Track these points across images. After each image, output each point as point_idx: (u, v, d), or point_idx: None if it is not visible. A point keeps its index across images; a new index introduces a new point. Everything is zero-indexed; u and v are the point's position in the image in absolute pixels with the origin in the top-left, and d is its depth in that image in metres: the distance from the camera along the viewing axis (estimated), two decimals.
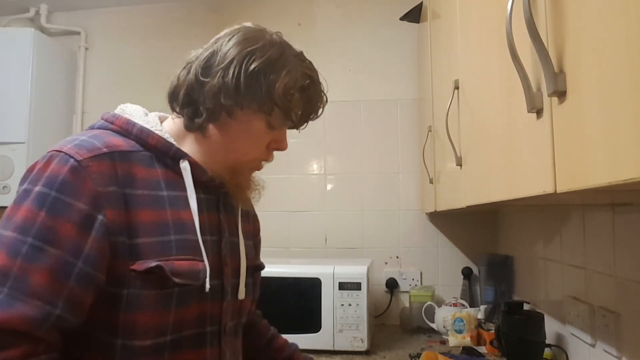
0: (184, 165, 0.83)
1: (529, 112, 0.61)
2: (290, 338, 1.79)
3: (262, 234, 2.41)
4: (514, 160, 0.72)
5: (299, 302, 1.84)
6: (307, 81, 0.89)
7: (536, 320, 1.43)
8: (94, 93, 2.60)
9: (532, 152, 0.63)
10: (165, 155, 0.83)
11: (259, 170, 0.93)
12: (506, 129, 0.76)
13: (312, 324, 1.81)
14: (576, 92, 0.49)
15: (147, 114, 0.89)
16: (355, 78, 2.38)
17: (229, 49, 0.83)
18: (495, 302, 1.95)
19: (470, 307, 1.99)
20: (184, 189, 0.83)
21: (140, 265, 0.74)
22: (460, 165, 1.16)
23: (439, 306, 2.03)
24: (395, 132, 2.33)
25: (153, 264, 0.75)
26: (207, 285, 0.81)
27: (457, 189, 1.25)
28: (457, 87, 1.19)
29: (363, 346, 1.77)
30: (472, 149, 1.05)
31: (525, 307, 1.58)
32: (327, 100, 0.94)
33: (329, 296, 1.81)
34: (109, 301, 0.74)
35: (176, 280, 0.77)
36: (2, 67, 2.32)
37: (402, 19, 2.25)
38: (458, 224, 2.23)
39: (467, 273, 2.18)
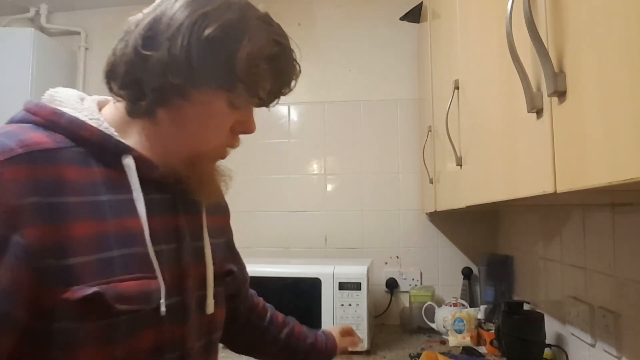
0: (127, 162, 0.68)
1: (529, 112, 0.61)
2: None
3: (262, 234, 2.44)
4: (514, 160, 0.72)
5: (299, 302, 1.84)
6: (276, 49, 0.73)
7: (536, 320, 1.43)
8: (93, 93, 2.59)
9: (532, 152, 0.63)
10: (103, 150, 0.67)
11: (223, 158, 0.78)
12: (506, 128, 0.76)
13: (312, 324, 1.79)
14: (576, 92, 0.49)
15: (83, 99, 0.74)
16: (356, 78, 2.38)
17: (176, 13, 0.67)
18: (495, 302, 1.95)
19: (470, 307, 1.99)
20: (130, 190, 0.68)
21: (74, 293, 0.59)
22: (460, 165, 1.16)
23: (439, 306, 2.03)
24: (395, 132, 2.33)
25: (90, 290, 0.60)
26: (163, 308, 0.67)
27: (457, 189, 1.25)
28: (457, 87, 1.19)
29: (363, 346, 1.77)
30: (472, 149, 1.05)
31: (525, 307, 1.58)
32: (300, 71, 0.79)
33: (329, 296, 1.81)
34: (36, 340, 0.60)
35: (121, 307, 0.63)
36: (2, 67, 2.32)
37: (402, 19, 2.25)
38: (458, 223, 2.23)
39: (467, 273, 2.18)
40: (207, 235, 0.80)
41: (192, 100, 0.69)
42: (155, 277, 0.67)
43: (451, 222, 2.24)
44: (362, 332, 1.77)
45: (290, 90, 0.79)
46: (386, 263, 2.29)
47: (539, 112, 0.59)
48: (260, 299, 1.16)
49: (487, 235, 2.21)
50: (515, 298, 1.90)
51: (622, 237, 1.07)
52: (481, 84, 0.96)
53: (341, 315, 1.79)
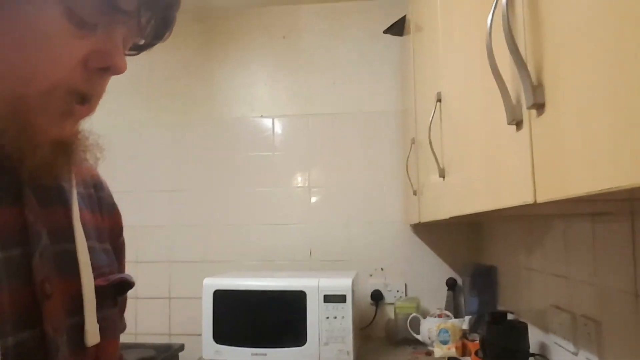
0: None
1: (509, 124, 0.62)
2: (275, 352, 1.79)
3: (246, 247, 2.44)
4: (495, 172, 0.73)
5: (284, 315, 1.83)
6: None
7: (519, 329, 1.45)
8: None
9: (513, 164, 0.64)
10: None
11: (75, 116, 0.52)
12: (488, 140, 0.77)
13: (298, 337, 1.80)
14: (554, 104, 0.51)
15: None
16: (340, 90, 2.39)
17: None
18: (479, 313, 1.96)
19: (455, 317, 2.00)
20: None
21: None
22: (443, 177, 1.18)
23: (424, 317, 2.04)
24: (380, 144, 2.35)
25: None
26: None
27: (440, 201, 1.26)
28: (439, 100, 1.21)
29: (349, 359, 1.76)
30: (455, 160, 1.06)
31: (509, 317, 1.59)
32: None
33: (314, 309, 1.80)
34: None
35: None
36: None
37: (385, 32, 2.28)
38: (442, 235, 2.25)
39: (451, 284, 2.20)
40: (81, 233, 0.57)
41: (1, 5, 0.46)
42: None
43: (435, 233, 2.26)
44: (348, 344, 1.77)
45: (176, 3, 0.56)
46: (371, 275, 2.29)
47: (519, 124, 0.61)
48: None
49: (470, 246, 2.22)
50: (500, 308, 1.92)
51: (602, 246, 1.09)
52: (463, 97, 0.98)
53: (326, 328, 1.78)
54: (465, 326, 1.90)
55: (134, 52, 0.58)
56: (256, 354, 1.82)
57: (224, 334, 1.86)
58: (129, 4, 0.49)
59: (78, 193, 0.60)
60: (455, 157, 1.05)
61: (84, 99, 0.51)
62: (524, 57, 0.57)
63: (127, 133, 2.44)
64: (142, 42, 0.57)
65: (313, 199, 2.37)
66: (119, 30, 0.51)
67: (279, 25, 2.45)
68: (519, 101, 0.61)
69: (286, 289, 1.84)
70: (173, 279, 2.39)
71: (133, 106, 2.45)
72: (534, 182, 0.56)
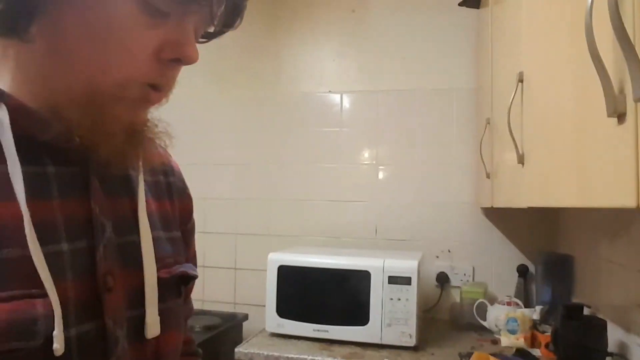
0: (1, 116, 0.45)
1: (609, 116, 0.55)
2: (337, 330, 1.79)
3: (311, 223, 2.44)
4: (587, 166, 0.66)
5: (347, 294, 1.82)
6: None
7: (598, 327, 1.36)
8: None
9: (611, 160, 0.57)
10: None
11: (148, 104, 0.53)
12: (579, 130, 0.70)
13: (360, 316, 1.79)
14: None
15: None
16: (410, 66, 2.31)
17: None
18: (552, 304, 1.87)
19: (525, 306, 1.91)
20: (5, 160, 0.45)
21: None
22: (522, 163, 1.10)
23: (492, 304, 1.97)
24: (451, 122, 2.25)
25: None
26: (57, 344, 0.43)
27: (518, 188, 1.19)
28: (521, 80, 1.12)
29: (411, 342, 1.73)
30: (537, 147, 0.99)
31: (585, 311, 1.50)
32: None
33: (378, 290, 1.78)
34: None
35: None
36: None
37: (461, 4, 2.17)
38: (514, 219, 2.14)
39: (522, 271, 2.10)
40: (146, 224, 0.56)
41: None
42: (43, 295, 0.44)
43: (507, 217, 2.16)
44: (411, 327, 1.74)
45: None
46: (437, 257, 2.23)
47: (621, 117, 0.54)
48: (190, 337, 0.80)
49: (545, 233, 2.11)
50: (575, 300, 1.82)
51: None
52: (550, 79, 0.90)
53: (390, 309, 1.76)
54: (535, 316, 1.82)
55: (204, 40, 0.57)
56: (318, 330, 1.82)
57: (287, 308, 1.88)
58: (209, 4, 0.49)
59: (145, 181, 0.60)
60: (538, 144, 0.98)
61: (156, 88, 0.51)
62: (632, 39, 0.50)
63: (196, 107, 2.48)
64: (212, 29, 0.56)
65: (380, 177, 2.32)
66: (191, 19, 0.50)
67: None
68: (622, 91, 0.54)
69: (350, 268, 1.83)
70: (239, 250, 2.44)
71: (201, 80, 2.48)
72: (638, 185, 0.49)
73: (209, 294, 2.38)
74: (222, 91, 2.49)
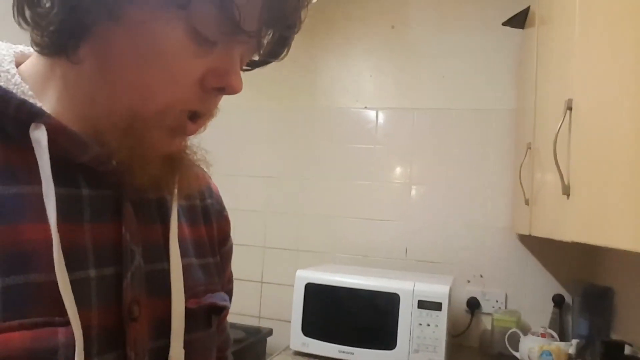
0: (37, 135, 0.44)
1: None
2: (363, 353, 1.75)
3: (341, 240, 2.41)
4: None
5: (375, 316, 1.78)
6: None
7: None
8: None
9: None
10: (1, 116, 0.44)
11: (187, 132, 0.51)
12: (637, 166, 0.65)
13: (387, 340, 1.74)
14: None
15: None
16: (449, 85, 2.26)
17: None
18: (589, 338, 1.78)
19: (560, 339, 1.83)
20: (40, 181, 0.44)
21: None
22: (568, 195, 1.05)
23: (525, 334, 1.89)
24: (488, 144, 2.19)
25: None
26: None
27: (561, 220, 1.13)
28: (569, 108, 1.07)
29: None
30: (586, 180, 0.93)
31: (627, 349, 1.42)
32: None
33: (406, 314, 1.73)
34: None
35: None
36: None
37: (505, 24, 2.11)
38: (551, 246, 2.06)
39: (558, 301, 2.02)
40: (176, 251, 0.54)
41: (126, 22, 0.44)
42: (65, 323, 0.42)
43: (544, 244, 2.08)
44: (440, 354, 1.68)
45: (297, 23, 0.52)
46: (469, 281, 2.17)
47: None
48: None
49: (584, 262, 2.02)
50: (614, 337, 1.73)
51: None
52: (604, 108, 0.85)
53: (418, 334, 1.71)
54: (571, 351, 1.74)
55: (247, 68, 0.56)
56: (343, 352, 1.78)
57: (313, 327, 1.84)
58: (251, 25, 0.47)
59: (180, 206, 0.59)
60: (587, 176, 0.93)
61: (195, 116, 0.50)
62: None
63: (228, 116, 2.49)
64: (257, 58, 0.55)
65: (413, 196, 2.27)
66: (238, 49, 0.49)
67: (388, 15, 2.35)
68: None
69: (379, 289, 1.78)
70: (266, 263, 2.42)
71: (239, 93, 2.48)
72: None
73: (234, 306, 2.32)
74: (256, 102, 2.49)
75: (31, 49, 0.50)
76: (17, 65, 0.50)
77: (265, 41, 0.51)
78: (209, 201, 0.66)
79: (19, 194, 0.44)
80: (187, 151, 0.53)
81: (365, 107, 2.36)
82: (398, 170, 2.31)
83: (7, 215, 0.43)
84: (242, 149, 2.49)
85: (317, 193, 2.37)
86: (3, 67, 0.48)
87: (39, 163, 0.44)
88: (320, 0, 2.41)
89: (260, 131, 2.48)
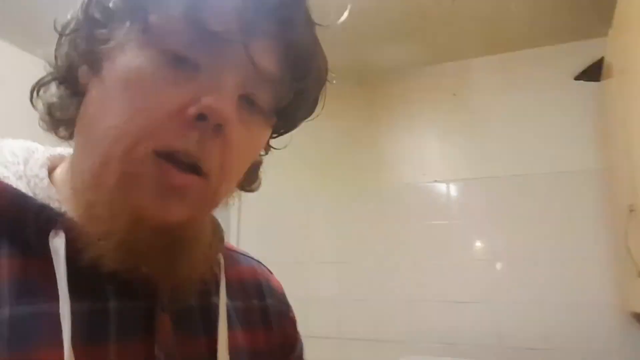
0: (56, 244, 0.40)
1: None
2: None
3: (422, 327, 2.19)
4: None
5: None
6: None
7: None
8: None
9: None
10: (21, 223, 0.40)
11: (177, 184, 0.41)
12: None
13: None
14: None
15: (34, 152, 0.48)
16: (522, 148, 2.10)
17: None
18: None
19: None
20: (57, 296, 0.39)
21: None
22: None
23: None
24: (573, 209, 1.97)
25: None
26: None
27: None
28: None
29: None
30: None
31: None
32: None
33: None
34: None
35: None
36: None
37: (577, 78, 1.97)
38: None
39: None
40: None
41: (104, 71, 0.42)
42: None
43: None
44: None
45: (291, 24, 0.44)
46: None
47: None
48: None
49: None
50: None
51: None
52: None
53: None
54: None
55: (275, 135, 0.51)
56: None
57: None
58: (219, 24, 0.40)
59: (233, 309, 0.51)
60: None
61: (193, 167, 0.41)
62: None
63: (294, 202, 2.42)
64: (280, 100, 0.46)
65: (498, 273, 2.05)
66: (229, 73, 0.42)
67: (448, 83, 2.26)
68: None
69: None
70: (343, 357, 2.22)
71: (299, 174, 2.43)
72: None
73: None
74: (319, 185, 2.42)
75: (65, 150, 0.49)
76: (54, 168, 0.48)
77: (256, 54, 0.42)
78: (269, 301, 0.58)
79: (35, 313, 0.38)
80: (197, 227, 0.45)
81: (435, 181, 2.22)
82: (478, 245, 2.11)
83: (22, 339, 0.37)
84: (308, 234, 2.38)
85: (392, 276, 2.20)
86: (33, 171, 0.45)
87: (57, 276, 0.39)
88: (377, 75, 2.38)
89: (327, 215, 2.38)
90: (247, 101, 0.43)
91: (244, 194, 0.54)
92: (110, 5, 0.43)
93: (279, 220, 2.43)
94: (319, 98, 0.50)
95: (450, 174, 2.21)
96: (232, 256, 0.58)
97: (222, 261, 0.52)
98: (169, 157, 0.40)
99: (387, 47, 2.19)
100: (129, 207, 0.40)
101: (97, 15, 0.43)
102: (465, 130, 2.21)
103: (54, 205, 0.42)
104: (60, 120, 0.46)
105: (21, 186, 0.42)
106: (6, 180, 0.42)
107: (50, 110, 0.46)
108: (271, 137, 0.51)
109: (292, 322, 0.60)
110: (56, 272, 0.39)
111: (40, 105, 0.47)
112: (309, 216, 2.41)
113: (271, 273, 0.62)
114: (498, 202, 2.10)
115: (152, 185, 0.40)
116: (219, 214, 0.50)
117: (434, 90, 2.29)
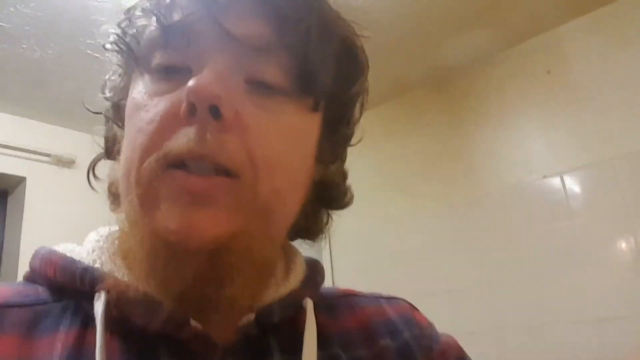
0: (96, 307, 0.37)
1: None
2: None
3: (556, 355, 1.78)
4: None
5: None
6: None
7: None
8: None
9: None
10: (76, 293, 0.39)
11: (191, 186, 0.37)
12: None
13: None
14: None
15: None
16: None
17: None
18: None
19: None
20: None
21: None
22: None
23: None
24: None
25: None
26: None
27: None
28: None
29: None
30: None
31: None
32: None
33: None
34: None
35: None
36: None
37: None
38: None
39: None
40: None
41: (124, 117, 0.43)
42: None
43: None
44: None
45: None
46: None
47: None
48: None
49: None
50: None
51: None
52: None
53: None
54: None
55: (332, 111, 0.45)
56: None
57: None
58: (184, 9, 0.38)
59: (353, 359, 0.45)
60: None
61: (212, 168, 0.36)
62: None
63: (385, 229, 2.22)
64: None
65: None
66: (211, 54, 0.38)
67: (537, 61, 1.95)
68: None
69: None
70: None
71: (387, 199, 2.24)
72: None
73: None
74: (410, 207, 2.20)
75: None
76: None
77: (231, 24, 0.38)
78: (406, 335, 0.50)
79: None
80: (250, 246, 0.38)
81: (544, 176, 1.86)
82: (615, 244, 1.68)
83: None
84: (407, 261, 2.13)
85: (513, 298, 1.85)
86: (92, 245, 0.43)
87: (97, 343, 0.36)
88: (454, 74, 2.16)
89: (424, 238, 2.12)
90: (257, 85, 0.39)
91: (332, 234, 0.50)
92: (114, 79, 0.46)
93: (370, 249, 2.25)
94: (354, 52, 0.44)
95: (562, 164, 1.84)
96: (352, 301, 0.52)
97: (309, 306, 0.44)
98: (177, 163, 0.36)
99: (456, 40, 1.97)
100: (153, 231, 0.36)
101: (110, 93, 0.46)
102: (570, 109, 1.84)
103: (99, 266, 0.40)
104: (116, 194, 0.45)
105: (85, 257, 0.41)
106: (70, 254, 0.41)
107: (109, 187, 0.47)
108: (331, 123, 0.45)
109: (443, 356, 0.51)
110: (97, 335, 0.36)
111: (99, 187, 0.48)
112: (403, 241, 2.18)
113: (415, 308, 0.56)
114: (630, 185, 1.67)
115: (168, 197, 0.36)
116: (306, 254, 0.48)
117: (522, 74, 1.98)
